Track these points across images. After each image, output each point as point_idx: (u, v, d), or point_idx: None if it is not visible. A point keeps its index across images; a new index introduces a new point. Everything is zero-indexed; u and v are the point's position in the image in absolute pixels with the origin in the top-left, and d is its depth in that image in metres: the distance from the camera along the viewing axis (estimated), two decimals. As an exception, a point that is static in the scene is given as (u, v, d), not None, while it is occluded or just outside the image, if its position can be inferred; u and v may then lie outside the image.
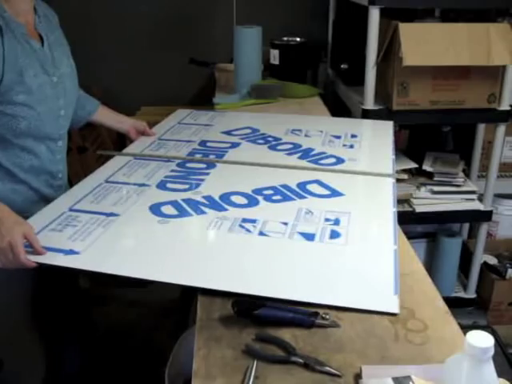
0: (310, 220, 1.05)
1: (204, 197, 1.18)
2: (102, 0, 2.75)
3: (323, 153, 1.38)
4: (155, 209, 1.14)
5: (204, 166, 1.36)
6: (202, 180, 1.28)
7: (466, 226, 2.48)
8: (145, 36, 2.83)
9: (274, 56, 2.32)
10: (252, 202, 1.15)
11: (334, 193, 1.16)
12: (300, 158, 1.37)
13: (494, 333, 1.91)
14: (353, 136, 1.49)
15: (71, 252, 1.00)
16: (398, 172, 1.27)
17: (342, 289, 0.91)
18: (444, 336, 0.89)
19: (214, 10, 2.76)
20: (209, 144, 1.51)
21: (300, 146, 1.45)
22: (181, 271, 0.95)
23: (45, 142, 1.26)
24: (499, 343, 1.91)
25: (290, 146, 1.45)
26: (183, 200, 1.18)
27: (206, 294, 0.95)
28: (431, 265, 2.29)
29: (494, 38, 1.76)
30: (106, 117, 1.59)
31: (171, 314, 1.97)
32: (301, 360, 0.83)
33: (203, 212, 1.12)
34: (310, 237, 1.00)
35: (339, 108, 2.34)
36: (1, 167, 1.22)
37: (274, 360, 0.84)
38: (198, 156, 1.42)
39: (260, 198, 1.16)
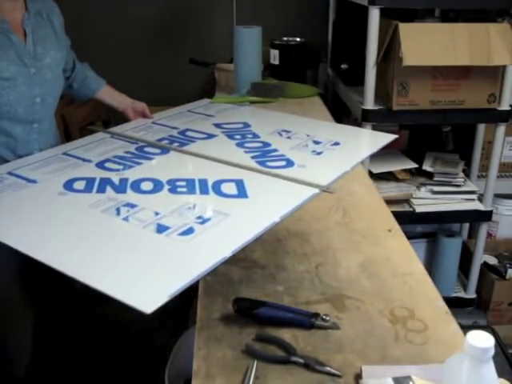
0: (184, 215, 1.03)
1: (121, 178, 1.20)
2: (101, 0, 2.75)
3: (282, 155, 1.35)
4: (70, 182, 1.18)
5: (158, 151, 1.38)
6: (139, 164, 1.30)
7: (466, 226, 2.48)
8: (145, 36, 2.83)
9: (274, 56, 2.32)
10: (156, 189, 1.15)
11: (241, 194, 1.12)
12: (253, 157, 1.33)
13: (494, 333, 1.91)
14: (335, 144, 1.43)
15: None
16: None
17: (121, 278, 0.86)
18: (444, 336, 0.89)
19: (214, 10, 2.76)
20: (187, 133, 1.53)
21: (269, 145, 1.42)
22: (24, 237, 0.97)
23: (20, 124, 1.40)
24: (499, 343, 1.91)
25: (259, 144, 1.43)
26: (101, 178, 1.20)
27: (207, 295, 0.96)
28: (431, 265, 2.29)
29: (494, 38, 1.76)
30: (107, 95, 1.71)
31: (171, 314, 1.97)
32: (301, 360, 0.83)
33: (103, 191, 1.14)
34: (162, 229, 0.98)
35: (339, 108, 2.34)
36: None
37: (274, 360, 0.84)
38: (164, 142, 1.45)
39: (167, 187, 1.16)
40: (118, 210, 1.05)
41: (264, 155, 1.35)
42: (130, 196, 1.11)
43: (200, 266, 0.84)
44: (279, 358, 0.84)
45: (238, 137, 1.49)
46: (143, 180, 1.19)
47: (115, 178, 1.21)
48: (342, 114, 2.33)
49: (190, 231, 0.96)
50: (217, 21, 2.76)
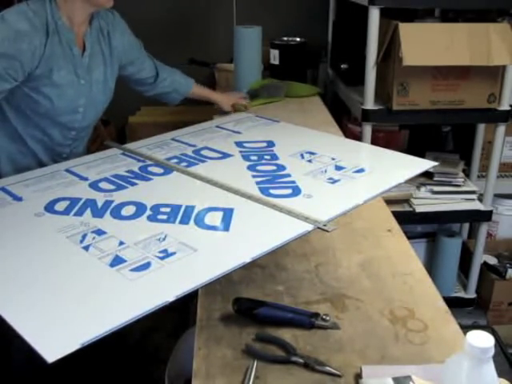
0: (148, 247, 0.96)
1: (107, 201, 1.15)
2: (101, 0, 2.75)
3: (291, 182, 1.23)
4: (53, 202, 1.15)
5: (162, 171, 1.32)
6: (134, 184, 1.24)
7: (466, 226, 2.48)
8: (145, 36, 2.82)
9: (274, 56, 2.32)
10: (135, 215, 1.09)
11: (222, 227, 1.04)
12: (259, 182, 1.23)
13: (494, 333, 1.91)
14: (358, 171, 1.28)
15: None
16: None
17: (39, 316, 0.80)
18: (444, 336, 0.89)
19: (214, 10, 2.76)
20: (203, 152, 1.45)
21: (283, 169, 1.31)
22: None
23: (59, 127, 1.49)
24: (499, 343, 1.91)
25: (273, 168, 1.32)
26: (86, 199, 1.16)
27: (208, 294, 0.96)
28: (431, 265, 2.29)
29: (494, 38, 1.76)
30: (196, 95, 2.00)
31: (171, 314, 1.97)
32: (301, 360, 0.83)
33: (81, 214, 1.10)
34: (117, 262, 0.92)
35: (339, 108, 2.34)
36: (16, 132, 1.47)
37: (274, 360, 0.84)
38: (173, 161, 1.40)
39: (148, 213, 1.09)
40: (83, 237, 1.00)
41: (272, 181, 1.25)
42: (105, 221, 1.06)
43: (128, 313, 0.78)
44: (279, 358, 0.84)
45: (253, 158, 1.39)
46: (128, 204, 1.14)
47: (101, 199, 1.16)
48: (342, 113, 2.34)
49: (145, 266, 0.90)
50: (217, 21, 2.76)
